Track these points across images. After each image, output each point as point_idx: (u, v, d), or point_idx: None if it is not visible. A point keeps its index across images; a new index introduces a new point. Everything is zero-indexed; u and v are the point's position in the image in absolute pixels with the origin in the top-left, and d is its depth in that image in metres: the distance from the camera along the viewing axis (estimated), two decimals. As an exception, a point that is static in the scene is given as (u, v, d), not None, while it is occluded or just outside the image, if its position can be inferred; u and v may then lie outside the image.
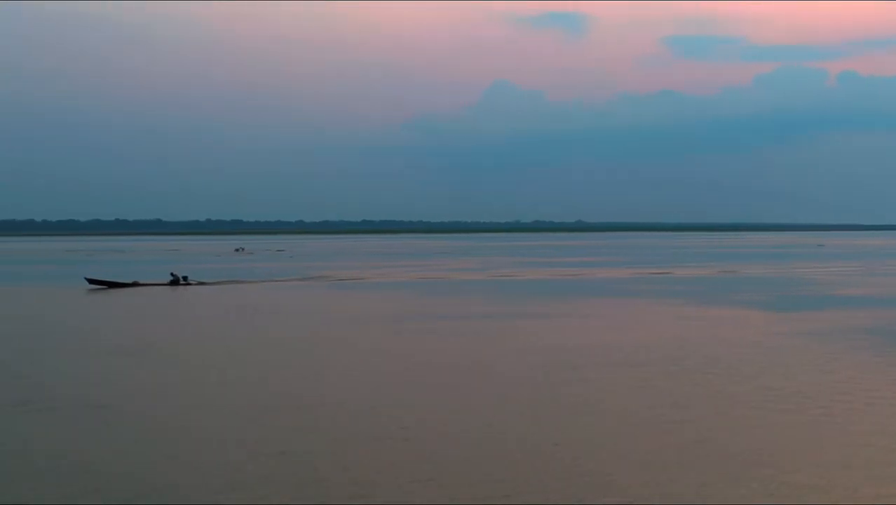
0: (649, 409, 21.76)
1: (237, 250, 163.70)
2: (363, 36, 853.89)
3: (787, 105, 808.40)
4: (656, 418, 20.72)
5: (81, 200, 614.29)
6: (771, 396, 23.31)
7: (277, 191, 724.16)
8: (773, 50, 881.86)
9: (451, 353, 32.14)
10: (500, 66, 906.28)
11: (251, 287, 67.88)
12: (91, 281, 69.02)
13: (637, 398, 23.17)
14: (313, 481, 15.98)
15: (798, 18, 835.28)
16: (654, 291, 61.71)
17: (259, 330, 40.12)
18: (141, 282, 70.19)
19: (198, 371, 28.78)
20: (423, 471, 16.55)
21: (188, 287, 67.45)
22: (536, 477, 16.06)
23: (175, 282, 69.16)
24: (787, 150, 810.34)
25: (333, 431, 19.87)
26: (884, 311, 45.80)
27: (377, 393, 24.48)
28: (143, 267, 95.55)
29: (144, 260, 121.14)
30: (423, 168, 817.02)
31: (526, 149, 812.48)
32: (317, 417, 21.43)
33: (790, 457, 17.27)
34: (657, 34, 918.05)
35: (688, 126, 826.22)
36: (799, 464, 16.79)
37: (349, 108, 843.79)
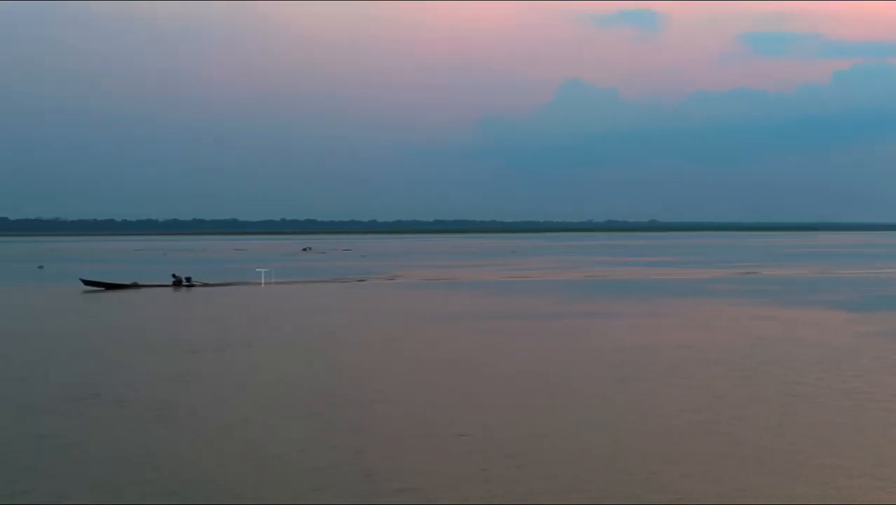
0: (709, 409, 20.91)
1: (304, 250, 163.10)
2: (435, 36, 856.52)
3: (866, 102, 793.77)
4: (713, 419, 19.90)
5: (161, 201, 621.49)
6: (837, 396, 22.29)
7: (351, 191, 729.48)
8: (852, 46, 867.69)
9: (511, 351, 30.97)
10: (574, 65, 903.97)
11: (256, 288, 64.91)
12: (86, 282, 66.21)
13: (700, 399, 22.08)
14: (364, 478, 15.66)
15: (877, 13, 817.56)
16: (729, 290, 59.85)
17: (276, 330, 39.28)
18: (141, 283, 67.75)
19: (196, 369, 28.02)
20: (476, 469, 16.13)
21: (191, 288, 65.24)
22: (592, 476, 15.69)
23: (178, 283, 66.93)
24: (866, 148, 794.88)
25: (383, 429, 19.20)
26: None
27: (431, 391, 23.74)
28: (212, 265, 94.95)
29: (204, 259, 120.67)
30: (496, 168, 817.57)
31: (599, 148, 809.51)
32: (365, 416, 20.69)
33: (850, 458, 16.66)
34: (733, 31, 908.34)
35: (765, 124, 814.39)
36: (858, 464, 16.26)
37: (422, 109, 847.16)
